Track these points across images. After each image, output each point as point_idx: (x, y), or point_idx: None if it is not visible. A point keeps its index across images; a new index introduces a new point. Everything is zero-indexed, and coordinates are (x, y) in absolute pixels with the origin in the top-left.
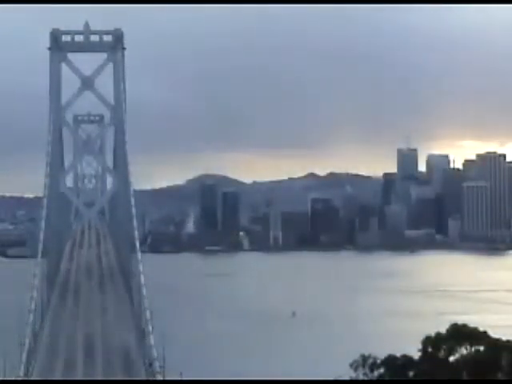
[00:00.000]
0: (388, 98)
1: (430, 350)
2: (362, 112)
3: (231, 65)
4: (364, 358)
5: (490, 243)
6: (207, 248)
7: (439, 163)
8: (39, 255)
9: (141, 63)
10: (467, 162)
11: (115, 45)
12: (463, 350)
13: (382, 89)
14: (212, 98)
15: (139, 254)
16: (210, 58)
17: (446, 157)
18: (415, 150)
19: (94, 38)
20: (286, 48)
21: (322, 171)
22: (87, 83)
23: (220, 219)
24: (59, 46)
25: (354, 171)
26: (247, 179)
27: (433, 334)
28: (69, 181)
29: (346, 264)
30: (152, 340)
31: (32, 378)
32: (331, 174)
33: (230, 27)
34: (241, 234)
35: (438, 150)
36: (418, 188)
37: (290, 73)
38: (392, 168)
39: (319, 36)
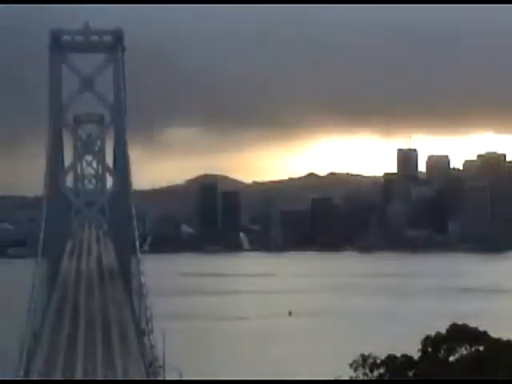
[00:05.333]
0: None
1: (429, 349)
2: None
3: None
4: (364, 358)
5: (490, 243)
6: (207, 248)
7: (439, 163)
8: (39, 255)
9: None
10: (467, 162)
11: (115, 45)
12: (463, 350)
13: None
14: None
15: (139, 254)
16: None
17: (446, 157)
18: (415, 150)
19: (94, 37)
20: None
21: (322, 171)
22: (87, 83)
23: (220, 219)
24: (59, 45)
25: (353, 171)
26: (247, 179)
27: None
28: (69, 181)
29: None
30: (152, 340)
31: (32, 378)
32: (331, 174)
33: None
34: (241, 234)
35: None
36: (418, 188)
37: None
38: (392, 168)
39: None
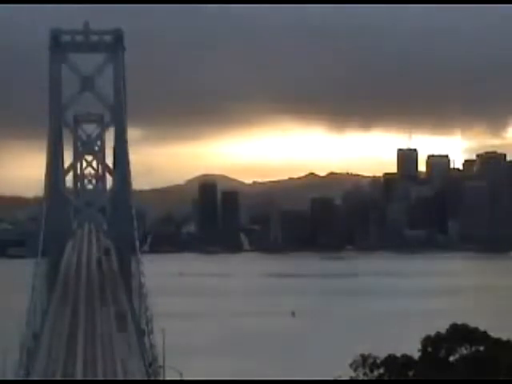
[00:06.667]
0: None
1: (429, 349)
2: None
3: None
4: (364, 358)
5: (490, 243)
6: (207, 248)
7: (439, 163)
8: (39, 255)
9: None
10: (467, 162)
11: (115, 44)
12: (463, 350)
13: None
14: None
15: (139, 254)
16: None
17: (446, 157)
18: (415, 150)
19: (94, 37)
20: None
21: (321, 171)
22: (87, 83)
23: (220, 219)
24: (59, 45)
25: (353, 171)
26: (247, 179)
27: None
28: (69, 181)
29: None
30: (152, 340)
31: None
32: (331, 174)
33: None
34: (241, 234)
35: None
36: (418, 188)
37: None
38: (392, 168)
39: None
